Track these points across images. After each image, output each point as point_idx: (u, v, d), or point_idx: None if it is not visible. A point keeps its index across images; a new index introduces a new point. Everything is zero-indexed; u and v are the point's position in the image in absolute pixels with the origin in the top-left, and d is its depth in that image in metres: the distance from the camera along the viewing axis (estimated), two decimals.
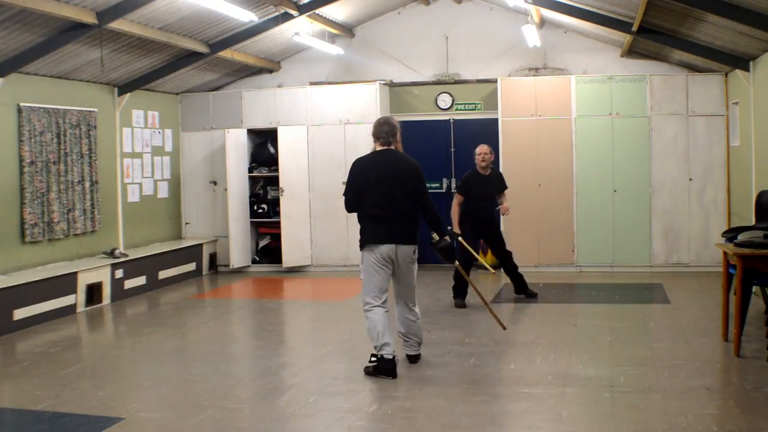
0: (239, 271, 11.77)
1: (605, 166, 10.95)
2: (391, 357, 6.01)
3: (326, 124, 11.64)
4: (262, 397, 5.71)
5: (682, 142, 10.81)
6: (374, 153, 6.29)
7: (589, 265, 11.02)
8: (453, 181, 11.88)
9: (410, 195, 6.23)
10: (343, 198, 6.24)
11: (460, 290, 8.77)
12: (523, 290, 9.16)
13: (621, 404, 5.26)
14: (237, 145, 11.65)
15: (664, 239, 10.88)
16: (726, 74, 10.58)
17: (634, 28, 9.17)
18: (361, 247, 6.16)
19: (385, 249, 6.04)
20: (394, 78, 12.02)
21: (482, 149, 8.91)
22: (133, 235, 10.90)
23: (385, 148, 6.29)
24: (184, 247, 11.29)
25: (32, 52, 8.35)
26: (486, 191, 8.88)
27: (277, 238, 11.77)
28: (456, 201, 8.77)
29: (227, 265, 11.69)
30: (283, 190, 11.48)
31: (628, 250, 10.93)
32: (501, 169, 11.17)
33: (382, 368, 6.03)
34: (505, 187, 9.13)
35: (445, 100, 11.89)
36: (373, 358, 6.16)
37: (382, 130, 6.27)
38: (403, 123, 11.96)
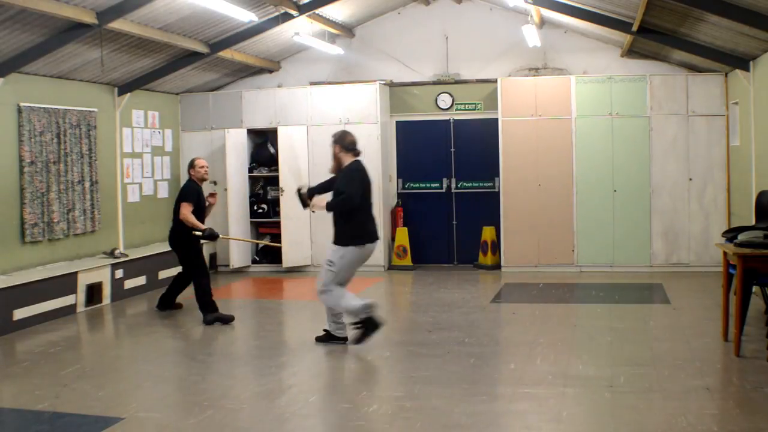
0: (239, 271, 11.76)
1: (605, 166, 10.95)
2: (370, 306, 6.81)
3: (326, 124, 11.62)
4: (262, 397, 5.71)
5: (682, 142, 10.81)
6: (360, 163, 7.07)
7: (589, 265, 11.02)
8: (453, 181, 11.89)
9: None
10: (352, 194, 6.81)
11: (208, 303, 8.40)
12: (166, 304, 8.89)
13: (621, 404, 5.26)
14: (237, 145, 11.65)
15: (664, 239, 10.88)
16: (726, 74, 10.58)
17: (634, 28, 9.17)
18: (349, 242, 6.80)
19: (371, 247, 6.92)
20: (394, 78, 12.02)
21: (205, 162, 8.73)
22: (133, 235, 10.90)
23: (359, 158, 7.07)
24: None
25: (32, 52, 8.35)
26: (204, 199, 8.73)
27: (277, 238, 11.76)
28: (189, 209, 8.32)
29: (227, 265, 11.69)
30: (283, 190, 11.47)
31: (628, 250, 10.93)
32: (501, 170, 11.21)
33: (372, 326, 6.79)
34: None
35: (445, 100, 11.89)
36: (358, 325, 6.82)
37: (354, 142, 7.08)
38: (403, 123, 12.10)
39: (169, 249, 10.86)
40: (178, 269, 8.91)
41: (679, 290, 9.44)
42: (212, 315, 8.19)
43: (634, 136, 10.89)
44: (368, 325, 6.82)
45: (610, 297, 9.45)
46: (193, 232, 8.36)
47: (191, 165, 8.69)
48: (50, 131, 9.25)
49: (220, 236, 8.68)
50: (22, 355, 7.14)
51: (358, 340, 6.87)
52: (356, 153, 7.05)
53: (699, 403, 5.21)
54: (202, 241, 8.64)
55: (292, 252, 11.57)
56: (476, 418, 5.06)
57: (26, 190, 8.85)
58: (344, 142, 7.05)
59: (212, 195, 8.82)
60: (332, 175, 7.30)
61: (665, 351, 6.58)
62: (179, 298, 9.01)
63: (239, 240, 10.11)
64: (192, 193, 8.47)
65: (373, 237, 6.93)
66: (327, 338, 7.07)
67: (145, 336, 7.85)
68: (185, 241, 8.47)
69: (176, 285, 8.91)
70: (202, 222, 8.59)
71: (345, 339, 6.99)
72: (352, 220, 6.87)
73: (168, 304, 8.94)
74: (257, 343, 7.54)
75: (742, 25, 7.71)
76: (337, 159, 7.08)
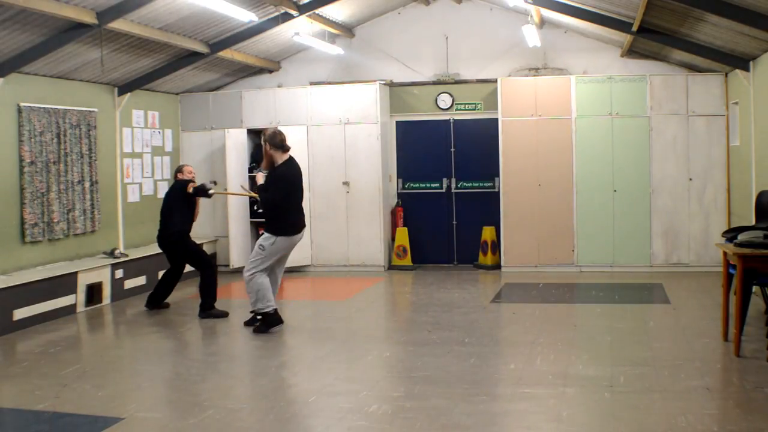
0: (239, 271, 11.75)
1: (605, 166, 10.95)
2: (275, 308, 7.69)
3: (326, 124, 11.64)
4: (262, 397, 5.71)
5: (682, 142, 10.81)
6: (291, 162, 7.67)
7: (589, 265, 11.02)
8: (453, 181, 11.89)
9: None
10: (274, 199, 7.51)
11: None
12: (155, 303, 9.04)
13: (621, 404, 5.26)
14: (237, 145, 11.65)
15: (664, 239, 10.88)
16: (726, 74, 10.59)
17: (634, 28, 9.17)
18: (278, 233, 7.55)
19: (298, 237, 7.73)
20: (394, 78, 12.02)
21: (192, 168, 9.15)
22: (133, 235, 10.90)
23: (290, 155, 7.68)
24: None
25: (32, 52, 8.36)
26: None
27: None
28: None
29: (227, 265, 11.70)
30: None
31: (628, 250, 10.93)
32: (501, 170, 11.22)
33: (273, 321, 7.66)
34: None
35: (445, 100, 11.89)
36: (259, 317, 7.68)
37: (284, 140, 7.61)
38: (403, 123, 12.10)
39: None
40: (167, 268, 9.03)
41: (679, 290, 9.44)
42: (209, 311, 8.55)
43: (634, 136, 10.89)
44: (268, 320, 7.65)
45: (610, 297, 9.45)
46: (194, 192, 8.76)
47: (179, 170, 9.05)
48: (50, 131, 9.25)
49: (211, 191, 8.86)
50: (22, 355, 7.14)
51: (257, 330, 7.67)
52: (286, 149, 7.64)
53: (699, 403, 5.21)
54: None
55: (292, 252, 11.54)
56: (476, 418, 5.06)
57: (26, 190, 8.86)
58: (274, 141, 7.58)
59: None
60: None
61: (665, 351, 6.58)
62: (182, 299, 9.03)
63: (232, 194, 10.74)
64: (187, 183, 8.78)
65: (298, 229, 7.72)
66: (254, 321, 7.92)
67: (146, 336, 7.85)
68: (180, 239, 8.69)
69: (166, 284, 9.02)
70: (191, 225, 8.92)
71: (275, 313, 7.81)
72: (282, 214, 7.58)
73: (157, 302, 9.04)
74: (257, 343, 7.54)
75: (742, 25, 7.71)
76: (268, 156, 7.61)
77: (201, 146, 12.11)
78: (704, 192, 10.79)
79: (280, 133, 7.67)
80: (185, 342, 7.73)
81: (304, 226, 7.83)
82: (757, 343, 6.57)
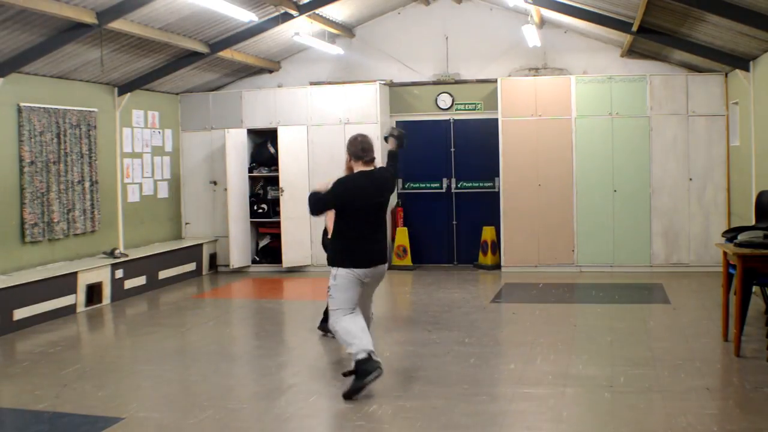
0: (239, 271, 11.76)
1: (605, 166, 10.95)
2: (367, 352, 5.47)
3: (326, 124, 11.63)
4: (262, 397, 5.71)
5: (682, 142, 10.81)
6: (362, 174, 5.71)
7: (589, 265, 11.02)
8: (453, 181, 11.89)
9: (386, 209, 5.94)
10: (317, 200, 5.71)
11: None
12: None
13: (621, 404, 5.26)
14: (237, 145, 11.65)
15: (664, 239, 10.88)
16: (726, 74, 10.58)
17: (634, 28, 9.17)
18: (336, 263, 5.72)
19: (368, 272, 5.71)
20: (394, 78, 12.02)
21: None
22: (133, 235, 10.90)
23: (372, 168, 5.77)
24: (184, 247, 11.29)
25: (32, 52, 8.35)
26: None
27: (277, 238, 11.77)
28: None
29: (227, 265, 11.69)
30: (283, 190, 11.47)
31: (628, 250, 10.92)
32: (501, 170, 11.20)
33: (365, 370, 5.43)
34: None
35: (445, 100, 11.89)
36: (350, 372, 5.53)
37: (366, 148, 5.72)
38: (403, 123, 12.09)
39: (170, 249, 10.94)
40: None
41: (679, 290, 9.44)
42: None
43: (634, 136, 10.89)
44: (358, 370, 5.46)
45: (610, 297, 9.45)
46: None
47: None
48: (50, 131, 9.25)
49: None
50: (22, 355, 7.14)
51: (349, 394, 5.44)
52: (365, 160, 5.70)
53: (699, 403, 5.21)
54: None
55: (291, 252, 11.57)
56: (476, 418, 5.06)
57: (26, 190, 8.85)
58: (351, 149, 5.73)
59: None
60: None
61: (665, 351, 6.58)
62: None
63: None
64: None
65: (361, 262, 5.66)
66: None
67: (145, 336, 7.85)
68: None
69: None
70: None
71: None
72: (341, 238, 5.75)
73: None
74: (257, 343, 7.54)
75: (742, 25, 7.71)
76: (348, 168, 5.81)
77: (201, 146, 12.10)
78: (704, 192, 10.79)
79: (361, 141, 5.71)
80: (185, 342, 7.72)
81: (375, 259, 5.73)
82: (757, 343, 6.57)
